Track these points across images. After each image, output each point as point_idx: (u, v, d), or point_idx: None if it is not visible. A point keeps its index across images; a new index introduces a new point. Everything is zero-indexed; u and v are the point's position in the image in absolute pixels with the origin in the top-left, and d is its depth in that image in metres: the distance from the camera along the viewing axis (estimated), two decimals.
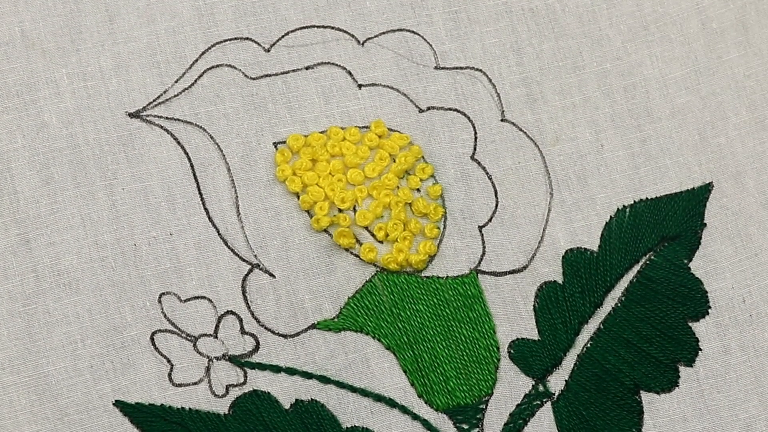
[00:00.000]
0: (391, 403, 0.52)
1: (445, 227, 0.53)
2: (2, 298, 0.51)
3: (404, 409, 0.52)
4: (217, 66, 0.54)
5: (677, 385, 0.53)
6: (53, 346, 0.51)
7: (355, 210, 0.53)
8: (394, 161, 0.53)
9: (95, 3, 0.54)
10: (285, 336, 0.51)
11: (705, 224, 0.55)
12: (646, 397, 0.52)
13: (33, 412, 0.50)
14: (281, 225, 0.53)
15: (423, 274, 0.53)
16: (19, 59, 0.53)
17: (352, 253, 0.53)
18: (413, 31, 0.55)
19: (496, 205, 0.54)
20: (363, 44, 0.55)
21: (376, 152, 0.54)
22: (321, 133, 0.54)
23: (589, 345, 0.53)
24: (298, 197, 0.53)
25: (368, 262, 0.52)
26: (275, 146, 0.53)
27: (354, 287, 0.52)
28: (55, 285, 0.51)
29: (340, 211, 0.53)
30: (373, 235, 0.53)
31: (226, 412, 0.51)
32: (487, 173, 0.54)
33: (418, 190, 0.54)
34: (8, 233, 0.52)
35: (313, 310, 0.52)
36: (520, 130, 0.54)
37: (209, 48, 0.54)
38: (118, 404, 0.50)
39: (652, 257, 0.54)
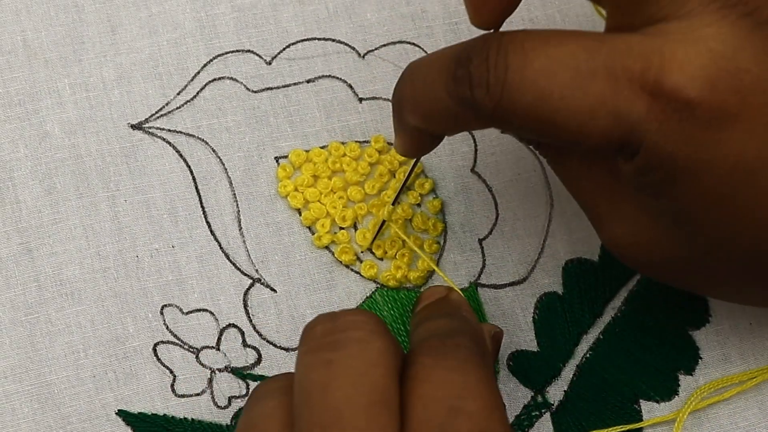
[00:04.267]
0: None
1: (445, 241, 0.53)
2: (4, 307, 0.51)
3: None
4: (219, 78, 0.54)
5: (677, 394, 0.53)
6: (56, 355, 0.51)
7: (355, 227, 0.53)
8: (394, 176, 0.53)
9: (97, 13, 0.54)
10: (287, 349, 0.52)
11: None
12: (645, 406, 0.52)
13: (35, 420, 0.50)
14: (282, 240, 0.53)
15: (423, 289, 0.53)
16: (21, 68, 0.53)
17: (352, 269, 0.53)
18: (414, 43, 0.55)
19: (497, 218, 0.54)
20: (364, 57, 0.55)
21: (375, 168, 0.54)
22: (322, 148, 0.54)
23: (588, 355, 0.53)
24: (300, 213, 0.53)
25: (369, 279, 0.53)
26: (277, 161, 0.54)
27: (355, 303, 0.52)
28: (57, 295, 0.51)
29: (341, 228, 0.53)
30: (372, 252, 0.53)
31: (229, 423, 0.51)
32: (487, 186, 0.54)
33: (418, 205, 0.54)
34: (10, 242, 0.52)
35: None
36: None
37: (211, 60, 0.54)
38: (121, 413, 0.51)
39: None
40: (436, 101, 0.43)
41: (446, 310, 0.47)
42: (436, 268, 0.52)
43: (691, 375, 0.53)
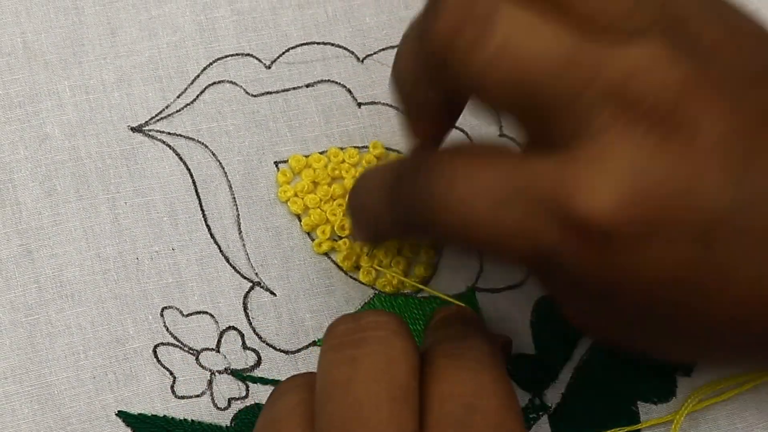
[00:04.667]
0: None
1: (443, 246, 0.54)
2: (4, 309, 0.51)
3: None
4: (219, 82, 0.54)
5: (674, 395, 0.53)
6: (56, 356, 0.51)
7: None
8: None
9: (97, 16, 0.54)
10: (286, 352, 0.52)
11: None
12: (642, 407, 0.52)
13: (35, 421, 0.50)
14: (282, 245, 0.53)
15: (420, 295, 0.53)
16: (21, 70, 0.54)
17: (351, 276, 0.53)
18: None
19: None
20: (362, 61, 0.55)
21: None
22: (321, 153, 0.54)
23: (585, 357, 0.53)
24: (299, 218, 0.53)
25: (366, 285, 0.53)
26: (276, 165, 0.54)
27: (354, 307, 0.52)
28: (58, 296, 0.51)
29: (340, 237, 0.53)
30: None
31: (228, 424, 0.51)
32: None
33: None
34: (11, 244, 0.52)
35: (314, 328, 0.52)
36: (519, 144, 0.54)
37: (211, 63, 0.54)
38: (121, 414, 0.51)
39: None
40: (379, 215, 0.45)
41: (459, 319, 0.47)
42: (425, 288, 0.53)
43: (689, 376, 0.53)
